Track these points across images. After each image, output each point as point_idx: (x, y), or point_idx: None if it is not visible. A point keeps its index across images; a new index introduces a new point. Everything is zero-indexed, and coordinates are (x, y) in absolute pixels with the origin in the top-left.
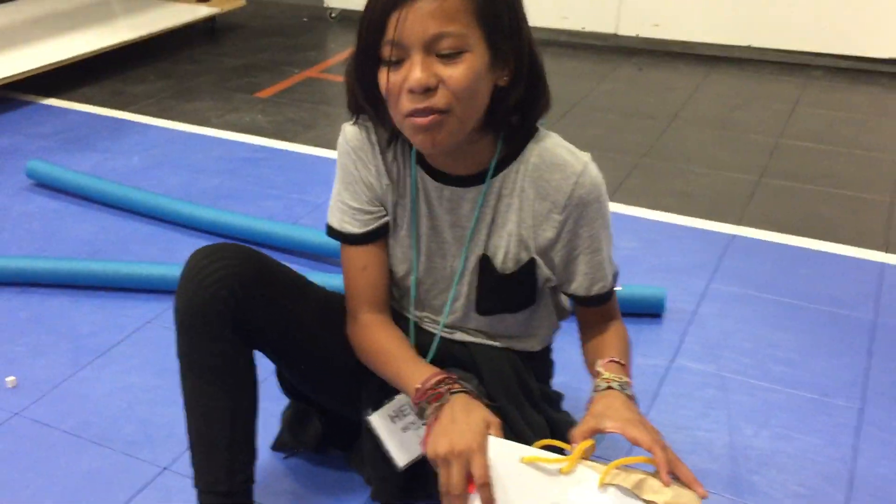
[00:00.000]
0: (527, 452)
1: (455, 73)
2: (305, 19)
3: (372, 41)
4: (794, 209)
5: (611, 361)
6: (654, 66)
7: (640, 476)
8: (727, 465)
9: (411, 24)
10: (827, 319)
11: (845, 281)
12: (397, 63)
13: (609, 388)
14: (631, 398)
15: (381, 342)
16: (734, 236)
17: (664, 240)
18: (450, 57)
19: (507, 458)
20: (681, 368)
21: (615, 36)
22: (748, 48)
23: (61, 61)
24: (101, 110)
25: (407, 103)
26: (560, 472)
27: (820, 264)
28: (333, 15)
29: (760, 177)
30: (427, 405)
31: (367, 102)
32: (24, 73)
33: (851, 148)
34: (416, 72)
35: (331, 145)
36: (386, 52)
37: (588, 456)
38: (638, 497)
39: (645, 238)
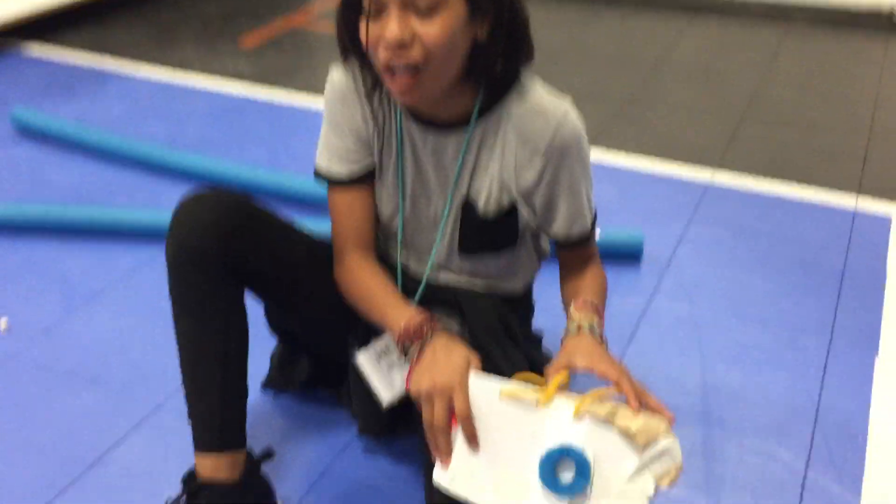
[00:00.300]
0: (506, 387)
1: (430, 29)
2: None
3: None
4: (771, 155)
5: (584, 302)
6: (637, 15)
7: (612, 406)
8: (699, 400)
9: None
10: (799, 262)
11: (818, 226)
12: (377, 14)
13: (578, 327)
14: (600, 337)
15: (366, 284)
16: (711, 182)
17: (643, 186)
18: (426, 13)
19: (487, 393)
20: (657, 310)
21: None
22: None
23: (42, 7)
24: (82, 58)
25: (384, 55)
26: (537, 404)
27: (794, 210)
28: None
29: (739, 123)
30: (410, 345)
31: (353, 47)
32: (4, 19)
33: (829, 96)
34: (391, 27)
35: (315, 90)
36: (366, 2)
37: (563, 389)
38: (611, 424)
39: (625, 185)
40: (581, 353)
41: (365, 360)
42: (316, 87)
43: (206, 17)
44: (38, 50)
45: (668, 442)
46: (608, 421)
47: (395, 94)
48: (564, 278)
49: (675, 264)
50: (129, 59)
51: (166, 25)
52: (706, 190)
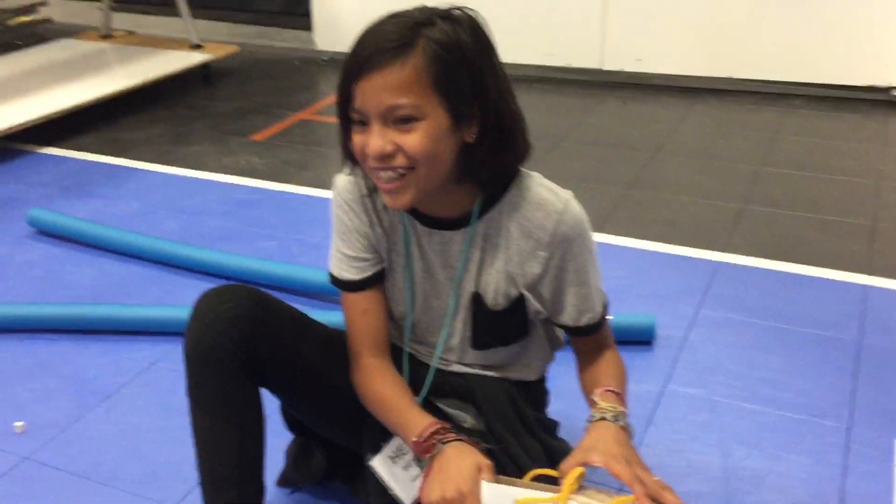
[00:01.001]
0: (520, 494)
1: (410, 140)
2: (297, 63)
3: (343, 104)
4: (777, 235)
5: (606, 391)
6: (639, 100)
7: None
8: (721, 486)
9: (369, 95)
10: (813, 341)
11: (829, 303)
12: (362, 125)
13: (602, 419)
14: (624, 429)
15: (380, 389)
16: (720, 263)
17: (652, 268)
18: (405, 125)
19: (501, 501)
20: (673, 393)
21: (600, 71)
22: (729, 80)
23: (59, 111)
24: (98, 157)
25: (371, 162)
26: None
27: (804, 288)
28: (325, 59)
29: (744, 204)
30: (421, 457)
31: (352, 154)
32: (22, 124)
33: (832, 174)
34: (374, 140)
35: (326, 185)
36: (354, 115)
37: (579, 483)
38: None
39: (633, 267)
40: (599, 448)
41: (380, 465)
42: (325, 177)
43: (218, 115)
44: (54, 150)
45: None
46: None
47: (385, 198)
48: (581, 366)
49: (689, 346)
50: (143, 157)
51: (180, 123)
52: (715, 270)
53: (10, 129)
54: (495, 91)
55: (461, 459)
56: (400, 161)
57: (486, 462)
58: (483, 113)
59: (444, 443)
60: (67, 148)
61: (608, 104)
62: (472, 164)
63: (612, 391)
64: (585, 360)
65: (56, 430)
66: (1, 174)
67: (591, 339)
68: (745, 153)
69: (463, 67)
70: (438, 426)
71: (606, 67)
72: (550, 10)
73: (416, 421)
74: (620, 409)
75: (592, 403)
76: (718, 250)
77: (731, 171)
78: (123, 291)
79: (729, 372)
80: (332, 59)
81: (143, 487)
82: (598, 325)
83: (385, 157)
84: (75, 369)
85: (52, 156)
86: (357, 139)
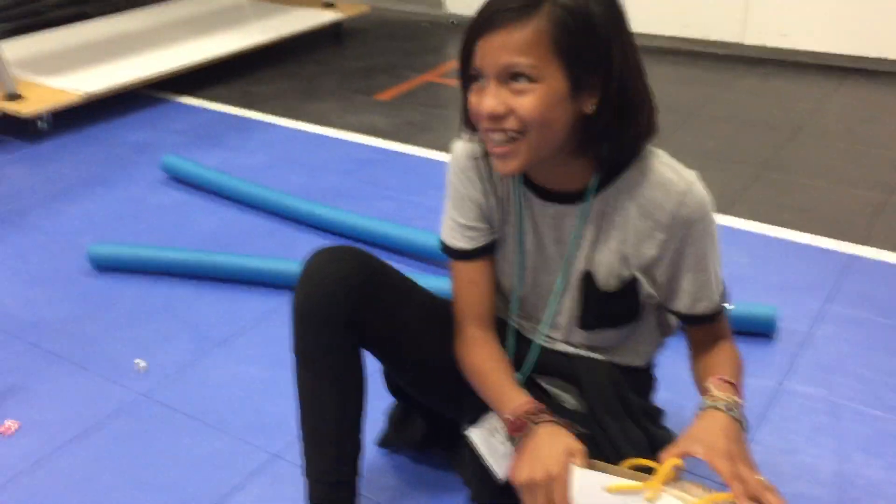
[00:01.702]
0: (611, 481)
1: (524, 102)
2: (425, 25)
3: (464, 63)
4: None
5: (722, 380)
6: (781, 77)
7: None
8: (834, 492)
9: (488, 53)
10: None
11: None
12: (480, 87)
13: (714, 407)
14: (737, 420)
15: (480, 362)
16: (856, 256)
17: (780, 257)
18: (520, 86)
19: (591, 487)
20: (790, 391)
21: (740, 45)
22: (881, 60)
23: (197, 63)
24: (230, 109)
25: (482, 125)
26: (645, 499)
27: None
28: (454, 21)
29: (887, 195)
30: (516, 435)
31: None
32: (161, 73)
33: None
34: (488, 99)
35: (446, 148)
36: (473, 74)
37: (677, 476)
38: None
39: (759, 254)
40: (703, 440)
41: (477, 437)
42: (446, 140)
43: (346, 73)
44: (190, 100)
45: None
46: None
47: (495, 163)
48: (695, 356)
49: (812, 343)
50: (271, 111)
51: (308, 80)
52: (849, 264)
53: (150, 78)
54: (622, 64)
55: (553, 442)
56: (511, 124)
57: (578, 447)
58: (605, 85)
59: (536, 423)
60: (202, 98)
61: (747, 80)
62: (589, 136)
63: (728, 381)
64: (699, 350)
65: (173, 371)
66: (139, 120)
67: (706, 329)
68: (892, 139)
69: (588, 36)
70: (532, 406)
71: (748, 42)
72: None
73: (511, 398)
74: (735, 398)
75: (705, 391)
76: (854, 242)
77: (876, 158)
78: (244, 241)
79: (853, 374)
80: (459, 22)
81: (248, 434)
82: (715, 315)
83: (497, 118)
84: (194, 314)
85: (186, 105)
86: (473, 98)
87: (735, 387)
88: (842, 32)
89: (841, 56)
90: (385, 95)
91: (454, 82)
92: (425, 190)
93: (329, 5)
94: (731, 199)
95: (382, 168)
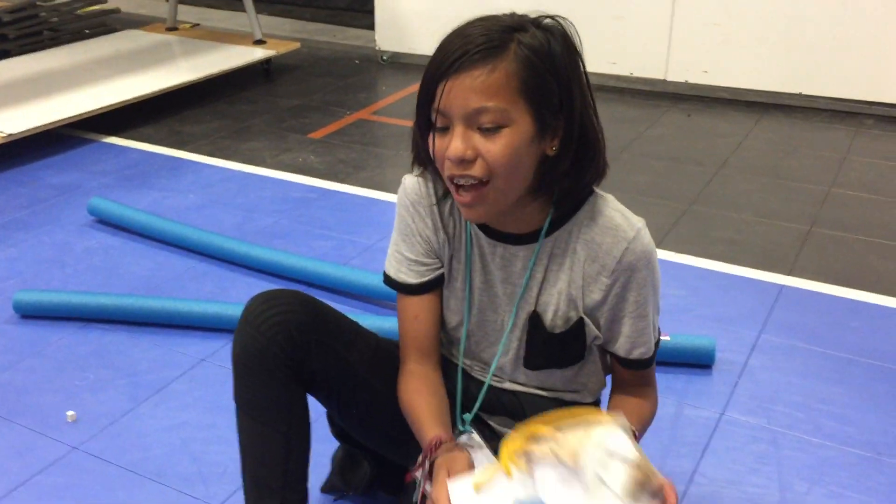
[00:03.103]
0: (478, 477)
1: (493, 147)
2: (357, 62)
3: (424, 105)
4: (845, 260)
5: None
6: (704, 113)
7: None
8: None
9: (455, 95)
10: (880, 374)
11: None
12: (444, 129)
13: None
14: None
15: (413, 397)
16: (784, 287)
17: (713, 289)
18: (489, 131)
19: (464, 491)
20: (731, 421)
21: (664, 82)
22: (798, 95)
23: (123, 101)
24: (159, 149)
25: (448, 169)
26: (508, 476)
27: (872, 317)
28: (385, 58)
29: (811, 226)
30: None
31: (426, 158)
32: (86, 112)
33: None
34: (455, 143)
35: (381, 187)
36: (434, 117)
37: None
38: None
39: (694, 286)
40: None
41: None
42: (380, 178)
43: (277, 111)
44: (116, 140)
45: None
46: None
47: (461, 208)
48: (615, 392)
49: (749, 373)
50: (202, 150)
51: (239, 118)
52: (779, 294)
53: (74, 117)
54: (581, 104)
55: (438, 473)
56: (478, 169)
57: (455, 460)
58: (568, 125)
59: (432, 461)
60: (129, 138)
61: (672, 116)
62: (550, 178)
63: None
64: (621, 390)
65: (106, 422)
66: (64, 162)
67: (635, 374)
68: (813, 173)
69: (552, 76)
70: (436, 442)
71: (671, 78)
72: (616, 17)
73: (424, 434)
74: None
75: None
76: (783, 273)
77: (799, 191)
78: (178, 285)
79: (790, 402)
80: (390, 59)
81: (188, 485)
82: (648, 362)
83: (464, 163)
84: (128, 361)
85: (114, 145)
86: (437, 143)
87: (632, 431)
88: (760, 69)
89: (760, 91)
90: (318, 134)
91: (387, 120)
92: (362, 228)
93: (260, 42)
94: (663, 233)
95: (318, 207)
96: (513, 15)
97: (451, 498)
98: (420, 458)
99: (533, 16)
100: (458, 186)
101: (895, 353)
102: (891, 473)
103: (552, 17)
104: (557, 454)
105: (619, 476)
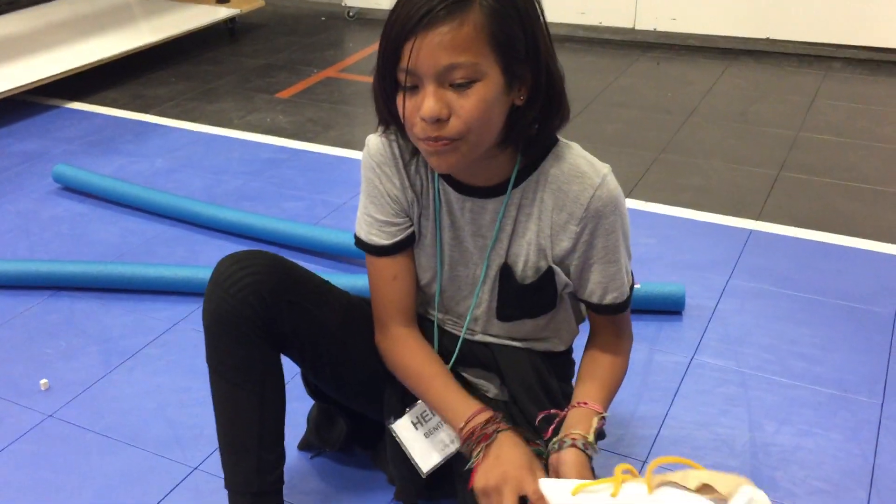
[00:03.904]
0: (574, 485)
1: (467, 103)
2: (323, 18)
3: (389, 65)
4: (813, 203)
5: (586, 411)
6: (673, 60)
7: (681, 473)
8: (748, 461)
9: (424, 54)
10: (847, 314)
11: (865, 275)
12: (413, 88)
13: (574, 446)
14: (590, 458)
15: (417, 365)
16: (753, 231)
17: (683, 236)
18: (462, 87)
19: (559, 491)
20: (701, 365)
21: (632, 30)
22: (767, 41)
23: (84, 65)
24: (124, 113)
25: (420, 129)
26: (611, 495)
27: (839, 259)
28: (351, 14)
29: (779, 171)
30: (475, 445)
31: (391, 118)
32: (48, 77)
33: (871, 140)
34: (428, 102)
35: (350, 145)
36: (401, 77)
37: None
38: (687, 488)
39: (664, 234)
40: (566, 472)
41: (401, 429)
42: (350, 137)
43: (244, 71)
44: (80, 105)
45: (751, 489)
46: (683, 485)
47: (431, 163)
48: (591, 341)
49: (719, 317)
50: (168, 114)
51: (205, 80)
52: (748, 239)
53: (36, 82)
54: (545, 51)
55: (518, 448)
56: (452, 127)
57: (537, 462)
58: (535, 73)
59: (498, 431)
60: (93, 103)
61: (641, 65)
62: (519, 128)
63: (594, 412)
64: (597, 339)
65: (80, 389)
66: (27, 129)
67: (610, 319)
68: (782, 118)
69: (518, 25)
70: (490, 414)
71: (639, 26)
72: None
73: (463, 408)
74: (587, 437)
75: (567, 423)
76: (752, 218)
77: (767, 137)
78: (147, 250)
79: (759, 344)
80: (357, 15)
81: (164, 448)
82: (622, 307)
83: (438, 122)
84: (100, 328)
85: (77, 111)
86: (407, 102)
87: (599, 414)
88: (728, 15)
89: (729, 38)
90: (286, 93)
91: (355, 77)
92: (332, 188)
93: (223, 1)
94: (634, 182)
95: (287, 167)
96: None
97: (548, 494)
98: (476, 427)
99: None
100: (430, 143)
101: (861, 292)
102: (857, 410)
103: None
104: (687, 484)
105: None
